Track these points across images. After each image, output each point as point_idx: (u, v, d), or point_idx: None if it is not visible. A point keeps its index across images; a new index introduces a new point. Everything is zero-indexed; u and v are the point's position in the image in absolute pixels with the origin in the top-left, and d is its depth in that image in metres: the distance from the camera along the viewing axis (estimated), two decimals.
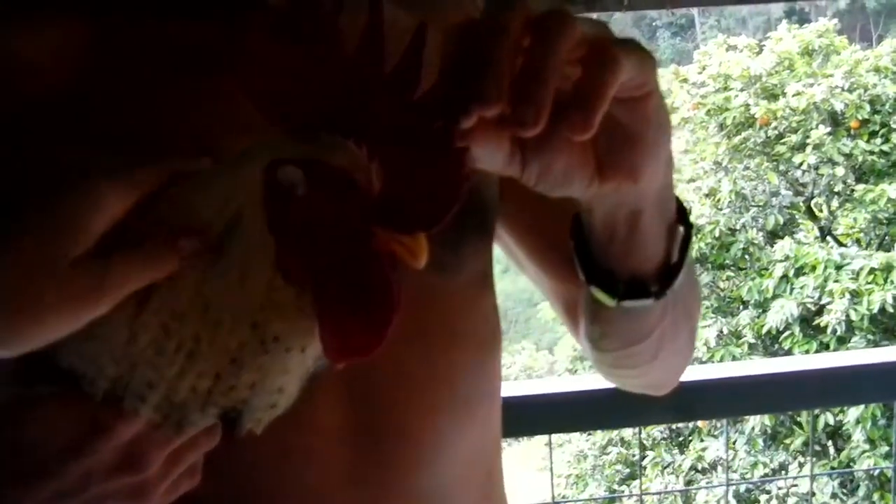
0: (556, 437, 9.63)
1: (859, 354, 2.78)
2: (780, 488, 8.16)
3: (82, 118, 0.73)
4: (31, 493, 0.64)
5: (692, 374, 1.84)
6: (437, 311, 0.84)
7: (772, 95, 9.51)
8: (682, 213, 0.76)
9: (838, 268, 8.16)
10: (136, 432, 0.65)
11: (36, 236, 0.58)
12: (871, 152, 9.10)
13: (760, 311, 8.64)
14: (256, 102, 0.61)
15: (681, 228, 0.76)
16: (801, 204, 9.70)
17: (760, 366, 1.97)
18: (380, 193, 0.59)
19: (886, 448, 5.89)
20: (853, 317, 7.92)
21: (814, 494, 7.98)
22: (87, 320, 0.59)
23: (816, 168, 9.23)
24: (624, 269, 0.75)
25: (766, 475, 8.11)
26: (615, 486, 8.96)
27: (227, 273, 0.61)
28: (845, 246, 9.06)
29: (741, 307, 8.95)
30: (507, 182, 0.76)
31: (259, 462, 0.78)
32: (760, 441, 8.27)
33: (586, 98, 0.57)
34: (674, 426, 8.66)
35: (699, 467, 8.35)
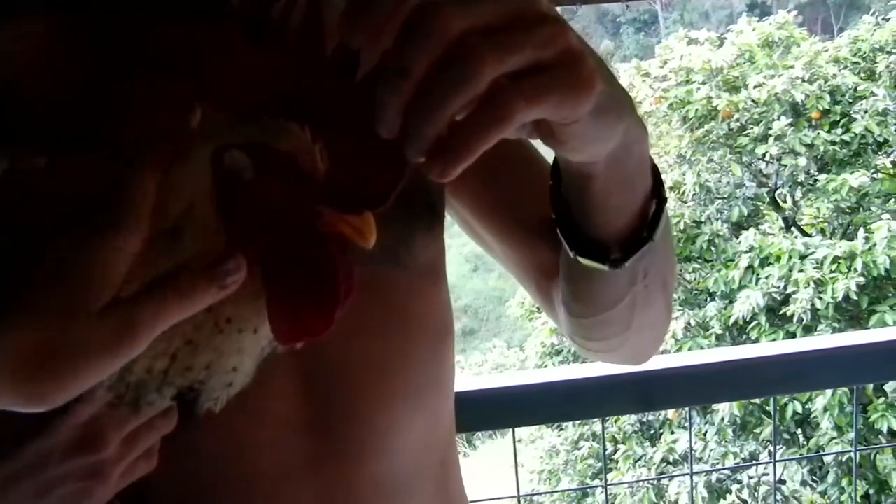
0: (528, 434, 9.69)
1: (821, 340, 2.79)
2: (751, 477, 8.23)
3: (46, 120, 0.73)
4: None
5: (655, 363, 1.84)
6: (389, 303, 0.85)
7: (733, 88, 9.59)
8: (656, 189, 0.77)
9: (803, 257, 8.23)
10: (93, 413, 0.65)
11: (60, 293, 0.56)
12: (833, 142, 9.19)
13: (727, 302, 8.70)
14: (202, 90, 0.61)
15: (653, 204, 0.77)
16: (765, 195, 9.78)
17: (723, 353, 1.96)
18: (325, 174, 0.60)
19: (853, 434, 5.98)
20: (818, 305, 7.99)
21: (784, 482, 8.06)
22: (122, 363, 0.57)
23: (779, 159, 9.30)
24: (587, 230, 0.77)
25: (736, 465, 8.17)
26: (587, 481, 9.00)
27: (181, 259, 0.61)
28: (809, 235, 9.15)
29: (708, 299, 9.01)
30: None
31: (214, 452, 0.78)
32: (730, 431, 8.33)
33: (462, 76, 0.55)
34: (644, 419, 8.71)
35: (670, 459, 8.39)
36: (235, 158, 0.60)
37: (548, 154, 0.79)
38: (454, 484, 0.98)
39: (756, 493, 8.17)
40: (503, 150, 0.93)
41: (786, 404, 7.76)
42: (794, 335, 8.01)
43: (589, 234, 0.78)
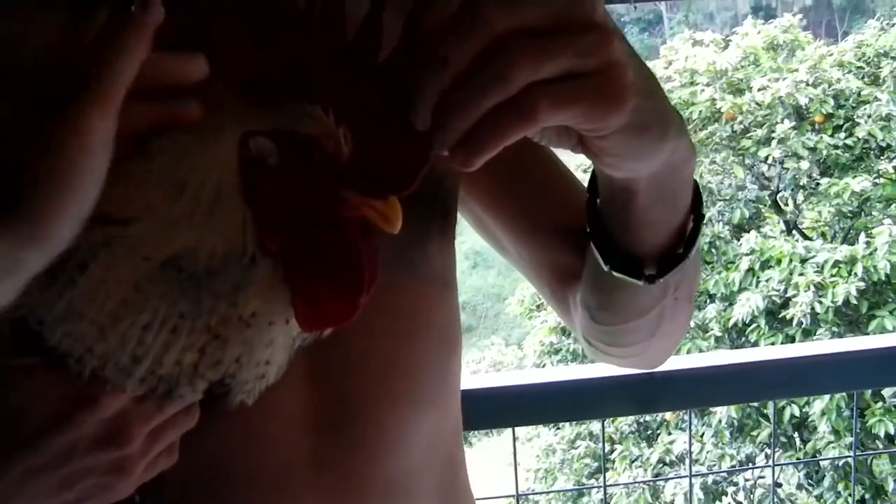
0: (525, 432, 9.68)
1: (821, 345, 2.79)
2: (747, 480, 8.23)
3: None
4: (11, 465, 0.64)
5: None
6: (400, 306, 0.86)
7: (737, 90, 9.58)
8: (695, 209, 0.78)
9: (803, 261, 8.23)
10: (121, 407, 0.65)
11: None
12: (836, 146, 9.19)
13: (727, 304, 8.70)
14: (224, 77, 0.61)
15: (691, 223, 0.78)
16: (767, 198, 9.77)
17: (723, 357, 1.96)
18: (349, 159, 0.59)
19: (851, 439, 5.96)
20: (818, 309, 7.99)
21: (780, 485, 8.06)
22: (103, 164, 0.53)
23: (782, 162, 9.30)
24: (623, 244, 0.78)
25: (732, 467, 8.17)
26: (584, 480, 9.00)
27: (209, 249, 0.61)
28: (810, 239, 9.14)
29: (708, 300, 9.00)
30: (486, 164, 0.77)
31: (225, 447, 0.79)
32: (727, 433, 8.33)
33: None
34: (641, 419, 8.71)
35: (667, 460, 8.40)
36: (260, 145, 0.60)
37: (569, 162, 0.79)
38: (460, 484, 0.98)
39: (752, 496, 8.18)
40: (523, 152, 0.94)
41: (784, 408, 7.76)
42: (793, 338, 8.00)
43: (624, 248, 0.78)
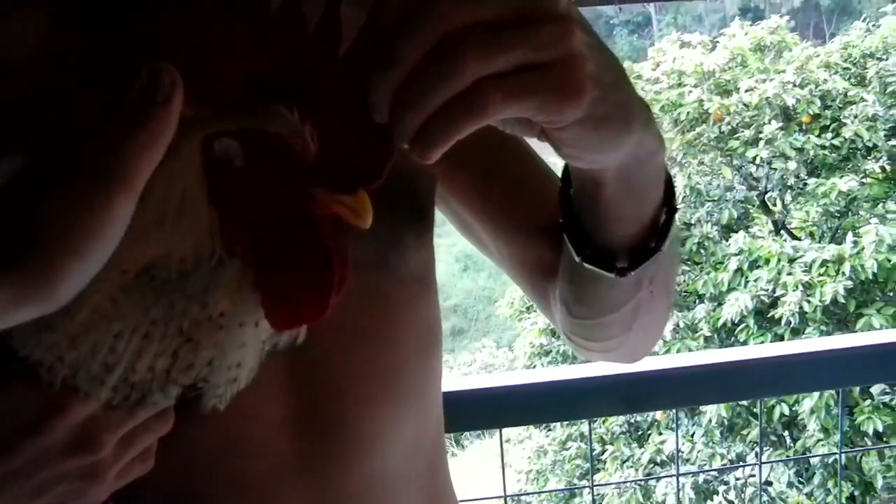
0: (516, 434, 9.69)
1: (809, 343, 2.80)
2: (738, 479, 8.25)
3: (40, 117, 0.72)
4: None
5: (643, 365, 1.85)
6: (378, 308, 0.85)
7: (725, 91, 9.60)
8: (668, 202, 0.77)
9: (791, 260, 8.26)
10: (90, 413, 0.64)
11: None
12: (823, 147, 9.22)
13: (716, 304, 8.72)
14: (189, 79, 0.60)
15: (663, 216, 0.77)
16: (755, 198, 9.80)
17: (711, 356, 1.97)
18: (316, 156, 0.59)
19: (841, 437, 6.01)
20: (806, 308, 8.02)
21: (770, 484, 8.08)
22: (112, 232, 0.54)
23: (769, 163, 9.33)
24: (596, 236, 0.77)
25: (723, 466, 8.19)
26: (575, 481, 9.00)
27: (179, 253, 0.61)
28: (798, 239, 9.17)
29: (697, 301, 9.03)
30: (460, 160, 0.77)
31: (204, 451, 0.78)
32: (718, 432, 8.35)
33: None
34: (632, 420, 8.72)
35: (658, 460, 8.41)
36: (225, 145, 0.59)
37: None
38: (443, 485, 0.98)
39: (743, 495, 8.20)
40: (500, 148, 0.93)
41: (773, 406, 7.78)
42: (781, 338, 8.03)
43: (597, 240, 0.78)
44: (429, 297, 0.92)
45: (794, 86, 9.29)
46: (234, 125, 0.59)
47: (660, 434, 8.52)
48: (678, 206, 0.79)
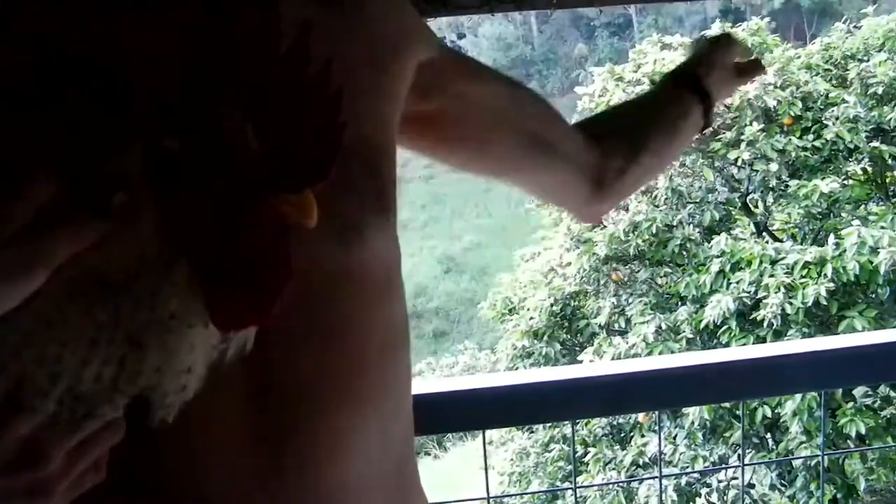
0: (498, 436, 9.69)
1: (791, 345, 2.79)
2: (720, 481, 8.27)
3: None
4: None
5: (625, 367, 1.84)
6: (339, 311, 0.84)
7: None
8: None
9: (773, 262, 8.28)
10: (34, 428, 0.63)
11: None
12: (804, 148, 9.26)
13: (698, 306, 8.74)
14: (132, 78, 0.60)
15: None
16: (737, 200, 9.84)
17: (693, 357, 1.96)
18: (261, 155, 0.59)
19: (822, 439, 6.01)
20: (788, 310, 8.04)
21: (753, 486, 8.10)
22: (21, 297, 0.57)
23: (751, 164, 9.36)
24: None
25: (706, 468, 8.21)
26: (558, 483, 9.01)
27: (125, 256, 0.60)
28: (780, 241, 9.20)
29: (679, 303, 9.05)
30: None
31: (164, 465, 0.77)
32: (700, 435, 8.37)
33: None
34: (614, 422, 8.73)
35: (640, 462, 8.42)
36: (169, 146, 0.59)
37: None
38: (412, 488, 0.97)
39: (725, 497, 8.22)
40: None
41: (755, 408, 7.80)
42: (764, 340, 8.05)
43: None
44: (392, 294, 0.91)
45: (776, 87, 9.33)
46: (177, 125, 0.59)
47: (642, 436, 8.53)
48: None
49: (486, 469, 2.05)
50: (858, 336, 2.32)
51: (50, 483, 0.65)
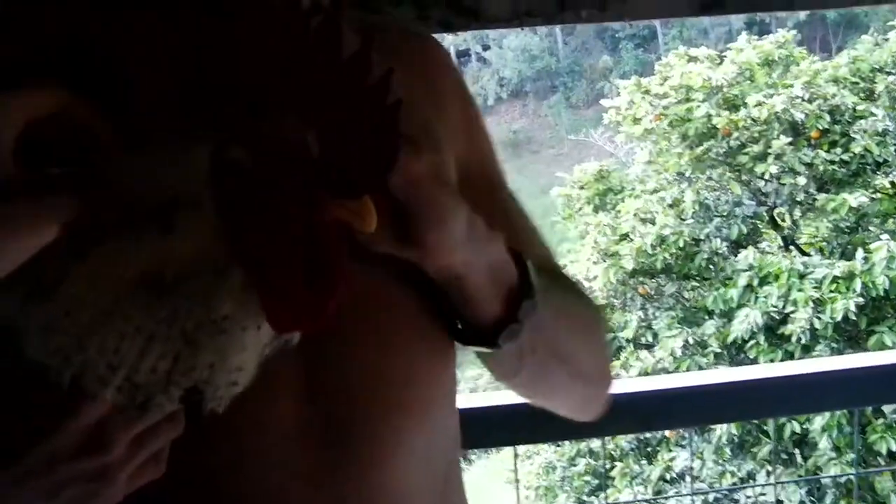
0: (524, 450, 9.65)
1: (822, 362, 2.78)
2: (748, 497, 8.20)
3: None
4: None
5: (655, 384, 1.84)
6: (394, 318, 0.86)
7: (733, 106, 9.59)
8: (523, 278, 0.85)
9: (801, 277, 8.23)
10: (101, 414, 0.66)
11: None
12: (832, 162, 9.20)
13: (725, 320, 8.69)
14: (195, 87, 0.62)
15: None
16: (764, 213, 9.78)
17: (723, 374, 1.96)
18: (321, 161, 0.60)
19: (852, 455, 5.92)
20: (817, 325, 7.98)
21: (782, 503, 8.03)
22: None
23: (778, 178, 9.31)
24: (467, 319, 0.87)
25: (734, 484, 8.14)
26: (584, 498, 8.97)
27: (184, 258, 0.62)
28: (808, 255, 9.14)
29: (706, 317, 9.00)
30: None
31: (216, 461, 0.79)
32: (728, 450, 8.31)
33: None
34: (642, 437, 8.68)
35: (667, 477, 8.37)
36: (234, 152, 0.61)
37: None
38: (457, 500, 0.97)
39: None
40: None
41: (784, 424, 7.73)
42: (792, 354, 7.99)
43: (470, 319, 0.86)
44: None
45: (803, 100, 9.28)
46: (240, 132, 0.61)
47: (669, 451, 8.48)
48: (534, 283, 0.86)
49: (517, 483, 2.06)
50: (891, 353, 2.31)
51: (113, 470, 0.68)
